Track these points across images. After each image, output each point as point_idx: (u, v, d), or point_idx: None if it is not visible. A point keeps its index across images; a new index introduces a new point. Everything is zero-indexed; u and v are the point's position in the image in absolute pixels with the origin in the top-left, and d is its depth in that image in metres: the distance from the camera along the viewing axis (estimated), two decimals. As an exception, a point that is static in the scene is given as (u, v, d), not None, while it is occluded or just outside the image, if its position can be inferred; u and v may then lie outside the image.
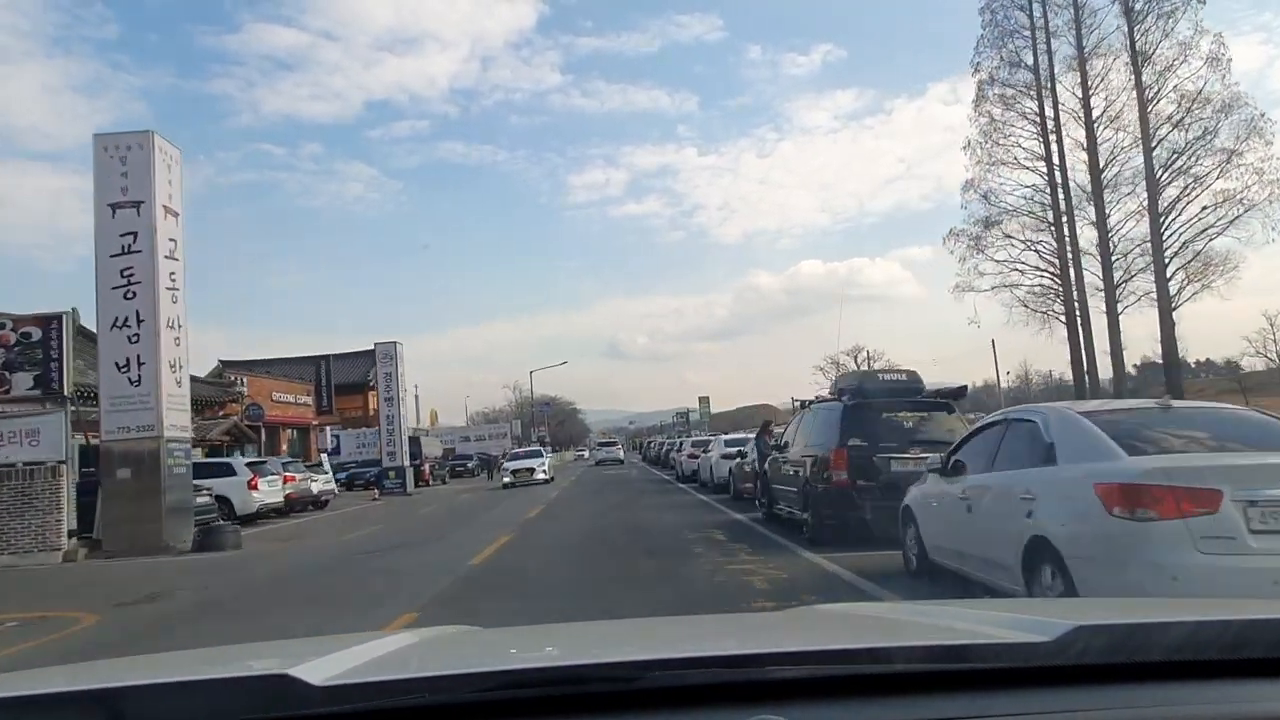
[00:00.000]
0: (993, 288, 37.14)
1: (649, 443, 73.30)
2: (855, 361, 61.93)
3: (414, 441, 37.66)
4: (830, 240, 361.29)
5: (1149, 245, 33.24)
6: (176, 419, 15.79)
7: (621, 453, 73.78)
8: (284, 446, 38.46)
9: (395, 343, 35.19)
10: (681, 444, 36.22)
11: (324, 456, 33.87)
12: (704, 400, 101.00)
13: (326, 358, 46.11)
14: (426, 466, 39.02)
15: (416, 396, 52.33)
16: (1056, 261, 36.14)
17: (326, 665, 1.38)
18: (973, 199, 37.16)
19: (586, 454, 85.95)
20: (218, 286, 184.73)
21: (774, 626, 2.17)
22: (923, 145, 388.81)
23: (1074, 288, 35.76)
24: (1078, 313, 35.83)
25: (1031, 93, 36.17)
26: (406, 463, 33.99)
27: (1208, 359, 79.01)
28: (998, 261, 37.01)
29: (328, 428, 42.95)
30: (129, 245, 15.16)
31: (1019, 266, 36.94)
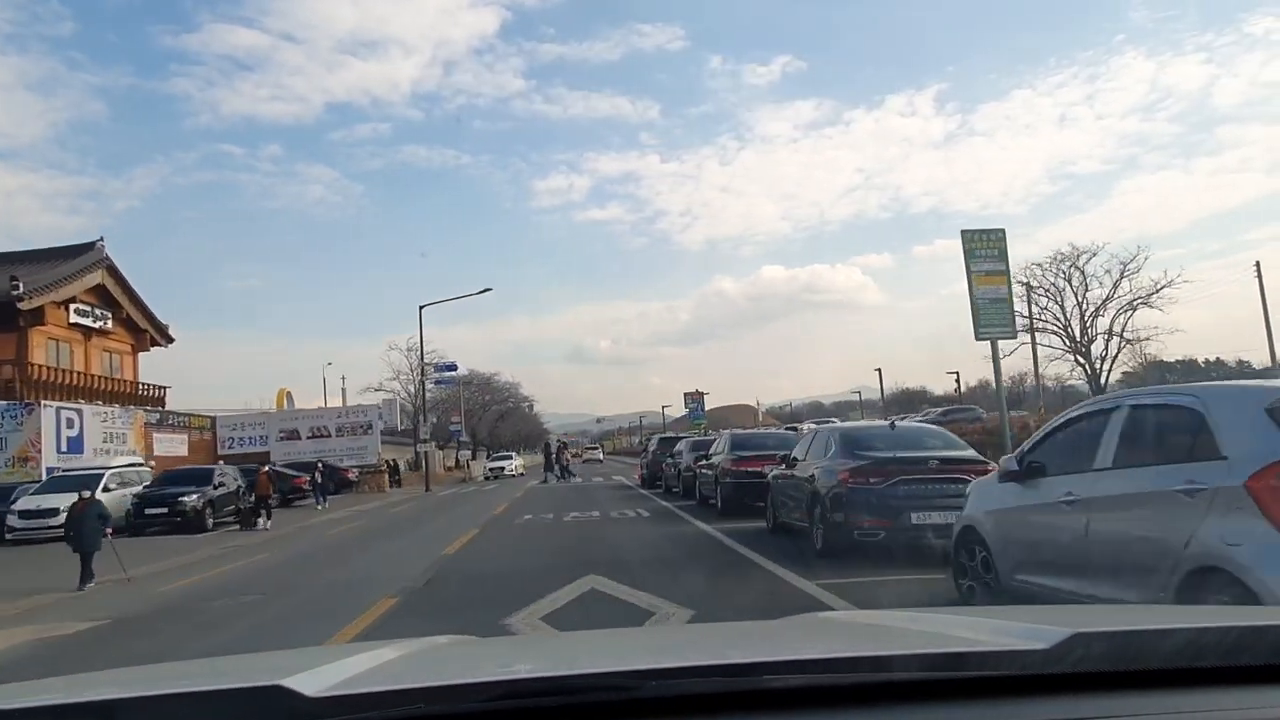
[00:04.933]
0: None
1: (663, 444, 27.44)
2: (1063, 269, 36.43)
3: None
4: (792, 248, 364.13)
5: None
6: None
7: (601, 455, 44.71)
8: None
9: None
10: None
11: None
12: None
13: None
14: None
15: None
16: None
17: (321, 676, 1.36)
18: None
19: (511, 466, 48.27)
20: (172, 287, 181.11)
21: (773, 635, 2.15)
22: (881, 156, 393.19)
23: None
24: None
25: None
26: None
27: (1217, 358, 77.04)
28: None
29: None
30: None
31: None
